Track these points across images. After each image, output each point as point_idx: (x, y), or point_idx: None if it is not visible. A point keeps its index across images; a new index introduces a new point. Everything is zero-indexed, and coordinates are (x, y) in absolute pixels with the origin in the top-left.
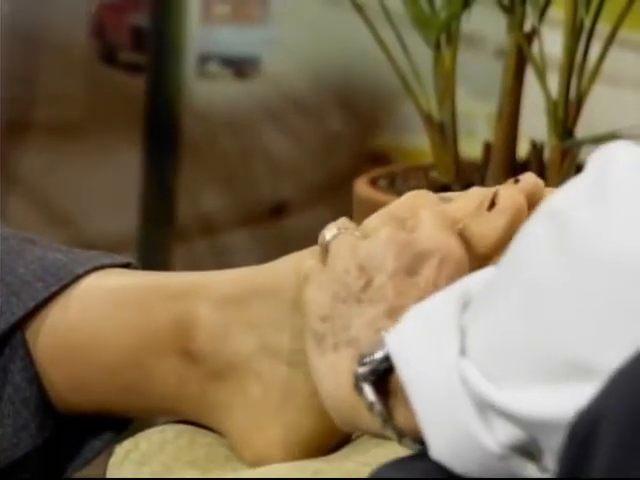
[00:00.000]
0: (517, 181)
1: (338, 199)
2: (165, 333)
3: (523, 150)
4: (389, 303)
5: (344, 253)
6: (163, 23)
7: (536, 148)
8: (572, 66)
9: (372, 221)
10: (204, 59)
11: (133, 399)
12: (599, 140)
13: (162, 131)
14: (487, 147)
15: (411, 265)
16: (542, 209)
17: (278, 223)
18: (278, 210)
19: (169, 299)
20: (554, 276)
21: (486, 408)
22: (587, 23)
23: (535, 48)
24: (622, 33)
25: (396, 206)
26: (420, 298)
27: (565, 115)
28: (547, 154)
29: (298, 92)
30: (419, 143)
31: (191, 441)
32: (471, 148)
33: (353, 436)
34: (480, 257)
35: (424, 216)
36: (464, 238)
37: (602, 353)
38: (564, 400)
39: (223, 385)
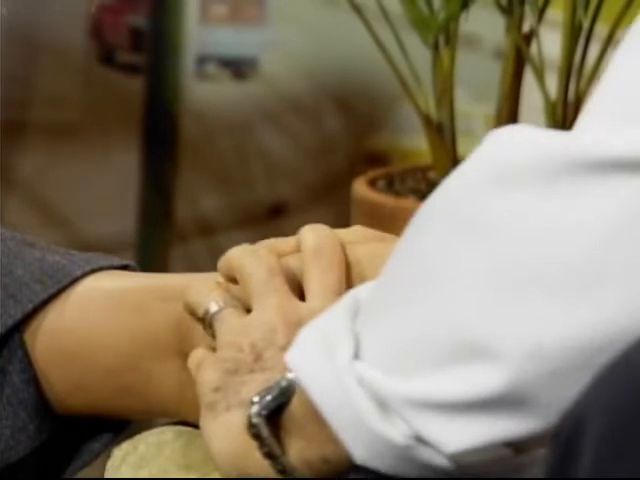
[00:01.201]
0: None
1: (336, 200)
2: (163, 335)
3: None
4: (280, 370)
5: (233, 335)
6: (161, 24)
7: None
8: (570, 67)
9: (253, 284)
10: (202, 60)
11: (131, 401)
12: None
13: (160, 132)
14: None
15: None
16: (429, 198)
17: (276, 224)
18: (276, 211)
19: (166, 301)
20: (441, 260)
21: (384, 402)
22: (585, 24)
23: (533, 49)
24: (620, 34)
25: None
26: None
27: (563, 116)
28: None
29: (296, 93)
30: (417, 144)
31: (189, 443)
32: (469, 149)
33: None
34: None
35: (315, 283)
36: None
37: (496, 332)
38: (456, 383)
39: None
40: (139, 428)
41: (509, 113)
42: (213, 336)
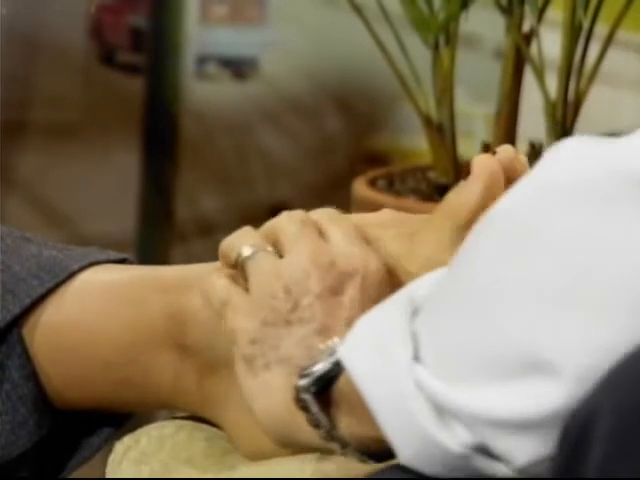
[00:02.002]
0: (494, 152)
1: (336, 200)
2: (159, 327)
3: (522, 151)
4: (318, 322)
5: (267, 277)
6: (161, 24)
7: (534, 149)
8: (570, 67)
9: (286, 231)
10: (202, 60)
11: (130, 393)
12: None
13: (160, 132)
14: (485, 148)
15: (335, 285)
16: (489, 212)
17: None
18: (276, 211)
19: (163, 293)
20: (504, 273)
21: (444, 410)
22: (585, 24)
23: (533, 49)
24: (620, 34)
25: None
26: (347, 317)
27: (563, 116)
28: None
29: (296, 93)
30: (417, 144)
31: (190, 436)
32: (469, 149)
33: None
34: (461, 226)
35: (336, 231)
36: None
37: (559, 345)
38: (521, 398)
39: (218, 378)
40: (140, 422)
41: (509, 113)
42: (246, 280)
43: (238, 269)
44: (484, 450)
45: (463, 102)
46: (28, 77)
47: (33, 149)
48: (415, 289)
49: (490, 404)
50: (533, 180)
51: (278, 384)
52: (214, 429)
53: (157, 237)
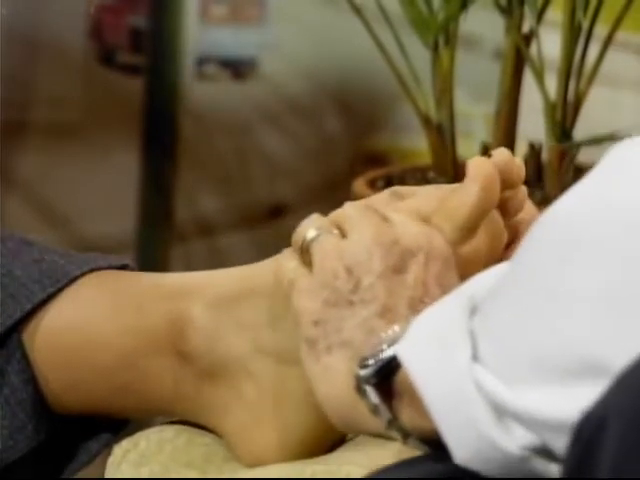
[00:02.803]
0: (490, 155)
1: (336, 200)
2: (159, 333)
3: (521, 151)
4: (380, 303)
5: (330, 257)
6: (161, 24)
7: (534, 149)
8: (570, 67)
9: (349, 216)
10: (202, 60)
11: (129, 399)
12: (597, 141)
13: (160, 132)
14: (485, 148)
15: (398, 264)
16: (549, 212)
17: (276, 224)
18: (276, 211)
19: (163, 299)
20: (564, 276)
21: (503, 412)
22: (585, 24)
23: (533, 49)
24: (620, 35)
25: (367, 200)
26: (410, 297)
27: (563, 116)
28: (545, 155)
29: (296, 93)
30: (417, 144)
31: (189, 441)
32: (469, 149)
33: (350, 435)
34: (458, 228)
35: (398, 214)
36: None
37: (619, 350)
38: (579, 400)
39: (217, 386)
40: (138, 426)
41: (509, 113)
42: (310, 265)
43: (304, 252)
44: (542, 451)
45: (463, 102)
46: (27, 77)
47: (32, 149)
48: (474, 287)
49: (550, 406)
50: (597, 185)
51: (340, 369)
52: (213, 434)
53: (157, 237)
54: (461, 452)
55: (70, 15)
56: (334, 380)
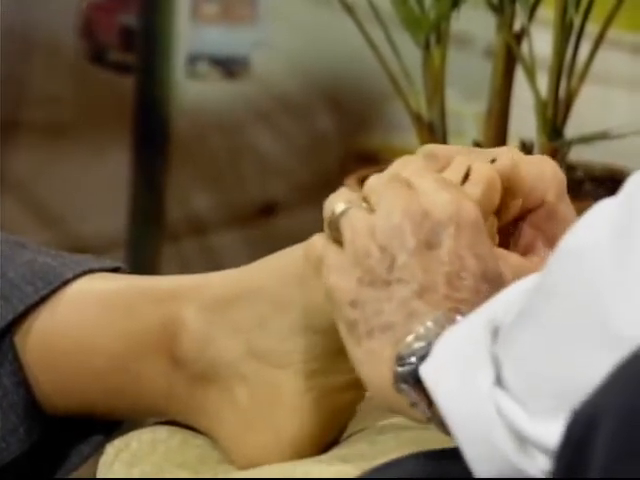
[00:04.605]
0: (493, 160)
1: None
2: (151, 336)
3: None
4: (417, 282)
5: (360, 233)
6: (152, 23)
7: (525, 147)
8: (561, 66)
9: (375, 188)
10: (193, 59)
11: (121, 402)
12: (588, 140)
13: (151, 131)
14: (476, 146)
15: (429, 238)
16: (566, 241)
17: (267, 223)
18: (267, 210)
19: (156, 303)
20: (583, 313)
21: (523, 439)
22: (576, 23)
23: (524, 48)
24: (611, 33)
25: (394, 168)
26: (447, 273)
27: (554, 115)
28: (536, 153)
29: (287, 92)
30: (408, 142)
31: (183, 442)
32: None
33: (345, 435)
34: None
35: (424, 180)
36: None
37: None
38: None
39: (210, 389)
40: (131, 426)
41: (500, 112)
42: (340, 242)
43: (333, 228)
44: None
45: (454, 101)
46: (19, 77)
47: (24, 148)
48: (495, 307)
49: None
50: (612, 213)
51: (383, 354)
52: (207, 437)
53: (148, 236)
54: (484, 473)
55: (61, 14)
56: (377, 366)
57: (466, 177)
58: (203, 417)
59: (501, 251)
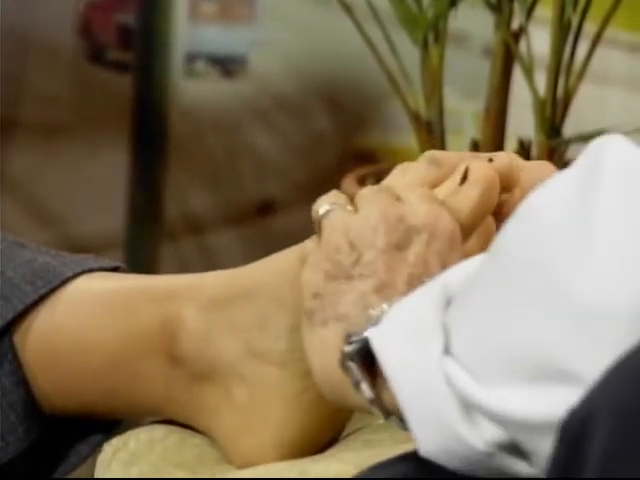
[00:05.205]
0: (491, 160)
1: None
2: (150, 336)
3: (510, 148)
4: (379, 278)
5: (336, 230)
6: (150, 22)
7: (523, 146)
8: (559, 64)
9: (363, 194)
10: (191, 58)
11: (120, 401)
12: (586, 138)
13: (149, 130)
14: (474, 145)
15: (401, 240)
16: (522, 207)
17: (265, 222)
18: (265, 209)
19: (155, 302)
20: (535, 276)
21: (471, 407)
22: (574, 22)
23: (522, 46)
24: (609, 32)
25: (388, 180)
26: (409, 274)
27: (552, 113)
28: (534, 152)
29: (285, 91)
30: (406, 141)
31: (181, 441)
32: (458, 146)
33: (342, 434)
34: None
35: (411, 193)
36: None
37: (583, 359)
38: (546, 402)
39: (209, 388)
40: (128, 424)
41: (498, 110)
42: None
43: (318, 228)
44: (510, 447)
45: (452, 100)
46: (17, 75)
47: (22, 148)
48: (449, 278)
49: (518, 405)
50: (572, 183)
51: (333, 342)
52: (205, 436)
53: (146, 235)
54: (427, 444)
55: (59, 13)
56: (326, 353)
57: (465, 177)
58: (201, 416)
59: None
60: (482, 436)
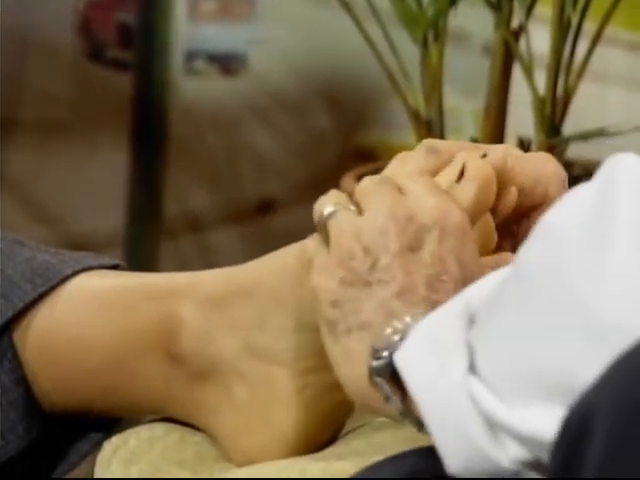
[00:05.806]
0: (485, 155)
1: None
2: (149, 334)
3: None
4: (398, 283)
5: (346, 235)
6: (150, 20)
7: (523, 145)
8: (559, 63)
9: (365, 190)
10: (191, 56)
11: (119, 399)
12: (586, 137)
13: (149, 128)
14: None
15: (413, 241)
16: (541, 225)
17: (264, 220)
18: (265, 207)
19: (154, 300)
20: (556, 296)
21: (495, 425)
22: (574, 20)
23: (522, 45)
24: (609, 30)
25: (388, 170)
26: (427, 275)
27: (552, 112)
28: (534, 151)
29: (285, 89)
30: (406, 140)
31: (180, 439)
32: None
33: (342, 432)
34: None
35: (414, 185)
36: None
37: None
38: None
39: (208, 386)
40: (129, 423)
41: (498, 109)
42: (328, 243)
43: (322, 229)
44: (534, 465)
45: (452, 98)
46: (17, 74)
47: (22, 147)
48: (471, 295)
49: (541, 425)
50: (588, 202)
51: (360, 352)
52: (204, 433)
53: (146, 234)
54: (453, 462)
55: (59, 12)
56: (354, 363)
57: (462, 174)
58: (201, 414)
59: (489, 259)
60: (507, 454)
